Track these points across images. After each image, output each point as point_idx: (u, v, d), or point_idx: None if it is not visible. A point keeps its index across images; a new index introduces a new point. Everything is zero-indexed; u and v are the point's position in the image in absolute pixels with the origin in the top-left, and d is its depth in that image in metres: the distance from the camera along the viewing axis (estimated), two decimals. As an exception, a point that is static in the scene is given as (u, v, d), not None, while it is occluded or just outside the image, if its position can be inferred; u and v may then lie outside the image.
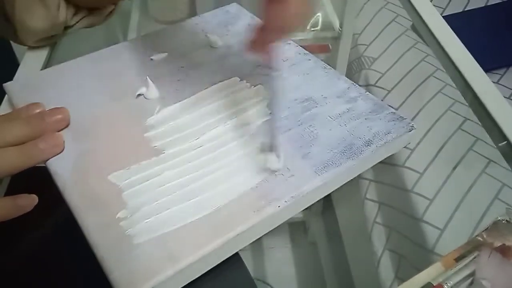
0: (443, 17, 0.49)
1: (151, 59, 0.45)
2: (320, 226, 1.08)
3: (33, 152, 0.34)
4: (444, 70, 0.45)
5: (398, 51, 0.80)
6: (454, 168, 0.61)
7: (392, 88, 0.75)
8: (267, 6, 0.31)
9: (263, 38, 0.32)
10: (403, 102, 0.72)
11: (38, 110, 0.38)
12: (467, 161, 0.62)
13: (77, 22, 0.49)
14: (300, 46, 0.47)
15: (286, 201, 0.32)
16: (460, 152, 0.63)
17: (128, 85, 0.42)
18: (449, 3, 0.93)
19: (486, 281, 0.30)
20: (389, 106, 0.40)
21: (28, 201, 0.33)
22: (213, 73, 0.43)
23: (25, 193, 0.33)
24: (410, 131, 0.38)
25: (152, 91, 0.41)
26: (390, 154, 0.39)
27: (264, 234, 0.33)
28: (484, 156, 0.62)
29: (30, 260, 0.36)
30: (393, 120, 0.39)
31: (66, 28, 0.49)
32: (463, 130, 0.65)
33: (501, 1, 0.90)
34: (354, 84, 0.42)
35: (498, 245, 0.31)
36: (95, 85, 0.42)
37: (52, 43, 0.50)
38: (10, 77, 0.44)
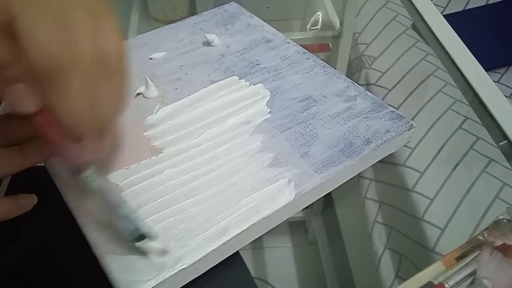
0: (443, 16, 0.48)
1: (150, 58, 0.45)
2: (321, 225, 1.08)
3: (33, 152, 0.34)
4: (445, 69, 0.45)
5: (399, 50, 0.80)
6: (455, 167, 0.61)
7: (393, 87, 0.75)
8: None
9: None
10: (404, 101, 0.72)
11: None
12: (468, 160, 0.62)
13: None
14: (300, 45, 0.47)
15: (286, 200, 0.32)
16: (460, 151, 0.63)
17: (128, 84, 0.42)
18: (449, 2, 0.93)
19: (487, 280, 0.29)
20: (389, 104, 0.40)
21: (28, 201, 0.33)
22: (212, 72, 0.43)
23: (25, 193, 0.33)
24: (410, 129, 0.38)
25: (151, 90, 0.41)
26: (389, 153, 0.38)
27: (264, 234, 0.33)
28: (485, 155, 0.62)
29: (30, 260, 0.36)
30: (393, 119, 0.38)
31: None
32: (463, 129, 0.65)
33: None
34: (353, 83, 0.42)
35: (499, 244, 0.31)
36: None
37: None
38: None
